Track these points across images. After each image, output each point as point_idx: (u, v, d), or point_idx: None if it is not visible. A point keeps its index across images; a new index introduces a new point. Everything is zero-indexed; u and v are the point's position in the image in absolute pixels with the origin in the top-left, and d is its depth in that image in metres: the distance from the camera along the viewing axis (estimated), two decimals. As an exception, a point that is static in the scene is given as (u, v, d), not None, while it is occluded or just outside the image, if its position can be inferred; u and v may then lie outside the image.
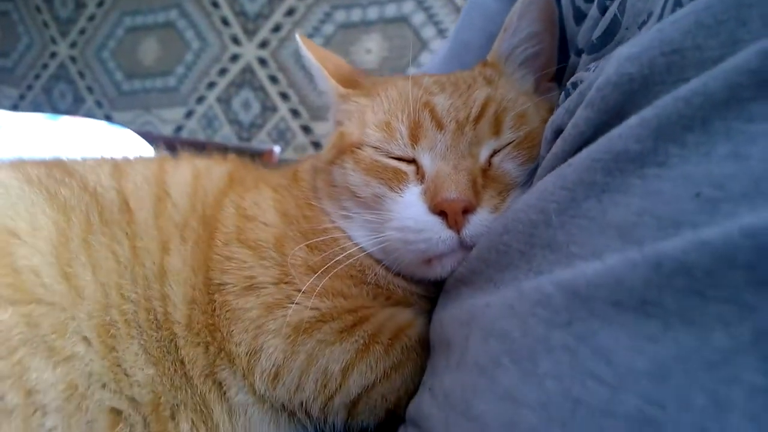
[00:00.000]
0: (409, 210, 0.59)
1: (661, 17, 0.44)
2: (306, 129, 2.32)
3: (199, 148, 0.84)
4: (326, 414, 0.60)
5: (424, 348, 0.62)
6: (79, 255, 0.57)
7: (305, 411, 0.61)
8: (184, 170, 0.72)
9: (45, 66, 2.98)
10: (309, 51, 0.75)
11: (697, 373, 0.29)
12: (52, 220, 0.58)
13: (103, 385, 0.54)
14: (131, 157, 0.77)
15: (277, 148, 2.21)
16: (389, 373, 0.60)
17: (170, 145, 0.84)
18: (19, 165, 0.64)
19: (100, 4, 2.81)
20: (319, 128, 2.30)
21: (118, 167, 0.70)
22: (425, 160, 0.62)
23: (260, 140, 2.39)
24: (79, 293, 0.56)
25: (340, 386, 0.58)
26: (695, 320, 0.30)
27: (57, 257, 0.56)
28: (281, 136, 2.36)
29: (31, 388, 0.49)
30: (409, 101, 0.63)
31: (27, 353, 0.50)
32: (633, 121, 0.38)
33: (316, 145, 2.28)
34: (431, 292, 0.67)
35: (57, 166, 0.66)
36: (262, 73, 2.39)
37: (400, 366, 0.60)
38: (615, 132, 0.40)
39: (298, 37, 0.77)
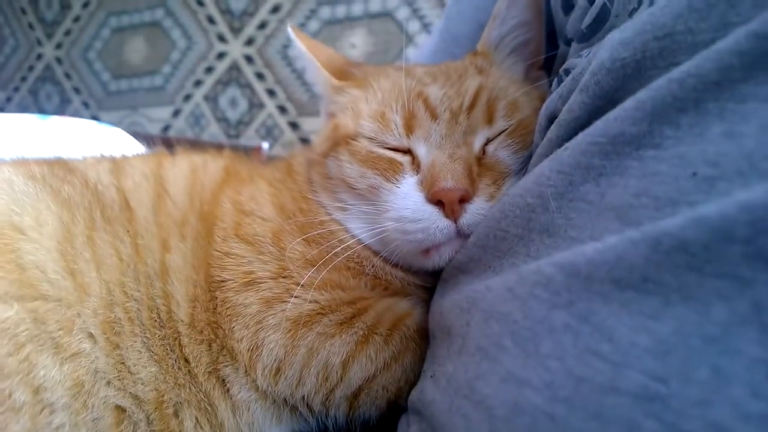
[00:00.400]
0: (406, 200, 0.59)
1: (652, 3, 0.45)
2: (293, 125, 2.30)
3: (194, 146, 0.84)
4: (328, 407, 0.61)
5: (423, 337, 0.62)
6: (84, 251, 0.57)
7: (307, 405, 0.61)
8: (182, 166, 0.71)
9: (31, 68, 2.93)
10: (301, 43, 0.75)
11: (698, 347, 0.30)
12: (57, 215, 0.57)
13: (108, 383, 0.54)
14: (129, 154, 0.76)
15: (265, 145, 2.20)
16: (389, 363, 0.60)
17: (167, 143, 0.84)
18: (21, 162, 0.64)
19: (85, 5, 2.77)
20: (307, 124, 2.29)
21: (116, 165, 0.69)
22: (420, 150, 0.62)
23: (248, 137, 2.38)
24: (84, 290, 0.55)
25: (341, 379, 0.59)
26: (695, 296, 0.31)
27: (62, 253, 0.55)
28: (269, 132, 2.34)
29: (39, 385, 0.49)
30: (402, 92, 0.63)
31: (34, 350, 0.50)
32: (628, 104, 0.39)
33: (304, 141, 2.27)
34: (429, 282, 0.67)
35: (58, 164, 0.66)
36: (248, 71, 2.37)
37: (400, 356, 0.61)
38: (611, 115, 0.40)
39: (290, 29, 0.76)
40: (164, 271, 0.61)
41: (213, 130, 2.46)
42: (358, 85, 0.72)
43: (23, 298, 0.51)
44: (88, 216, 0.60)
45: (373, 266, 0.65)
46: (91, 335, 0.54)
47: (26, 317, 0.50)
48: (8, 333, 0.49)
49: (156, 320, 0.59)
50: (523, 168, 0.61)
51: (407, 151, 0.63)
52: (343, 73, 0.75)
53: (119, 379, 0.55)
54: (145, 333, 0.58)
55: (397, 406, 0.61)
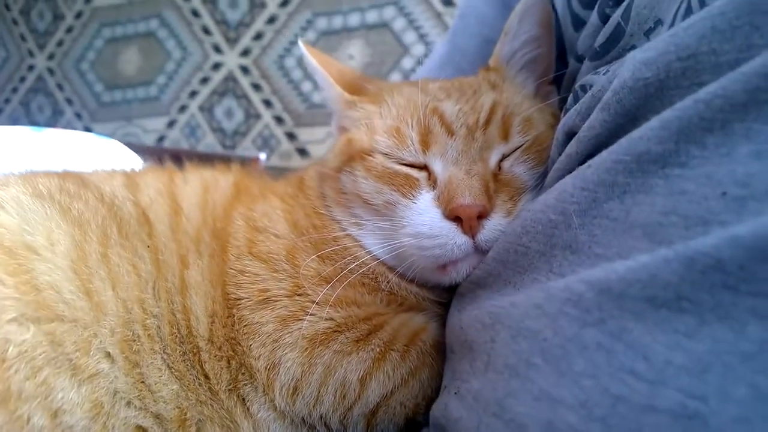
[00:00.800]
0: (423, 216, 0.60)
1: (672, 24, 0.46)
2: (290, 135, 2.30)
3: (199, 158, 0.83)
4: (346, 426, 0.60)
5: (440, 352, 0.62)
6: (99, 270, 0.56)
7: (325, 424, 0.60)
8: (193, 183, 0.71)
9: (22, 79, 2.91)
10: (313, 58, 0.75)
11: (735, 365, 0.30)
12: (68, 234, 0.56)
13: (128, 403, 0.53)
14: (130, 168, 0.76)
15: (262, 156, 2.20)
16: (407, 379, 0.60)
17: (175, 156, 0.83)
18: (29, 178, 0.62)
19: (78, 16, 2.76)
20: (304, 135, 2.29)
21: (130, 179, 0.69)
22: (437, 166, 0.62)
23: (244, 148, 2.37)
24: (101, 309, 0.55)
25: (359, 396, 0.58)
26: (730, 314, 0.31)
27: (76, 272, 0.55)
28: (265, 143, 2.34)
29: (57, 408, 0.48)
30: (417, 107, 0.64)
31: (51, 372, 0.49)
32: (653, 123, 0.40)
33: (301, 151, 2.28)
34: (444, 297, 0.67)
35: (70, 179, 0.65)
36: (244, 81, 2.37)
37: (417, 372, 0.61)
38: (635, 134, 0.41)
39: (301, 44, 0.76)
40: (184, 287, 0.61)
41: (209, 141, 2.45)
42: (372, 100, 0.72)
43: (39, 320, 0.51)
44: (101, 233, 0.59)
45: (388, 282, 0.65)
46: (108, 355, 0.54)
47: (43, 340, 0.50)
48: (26, 356, 0.48)
49: (176, 335, 0.59)
50: (539, 184, 0.61)
51: (423, 167, 0.63)
52: (355, 87, 0.75)
53: (140, 399, 0.54)
54: (165, 349, 0.58)
55: (414, 422, 0.61)
